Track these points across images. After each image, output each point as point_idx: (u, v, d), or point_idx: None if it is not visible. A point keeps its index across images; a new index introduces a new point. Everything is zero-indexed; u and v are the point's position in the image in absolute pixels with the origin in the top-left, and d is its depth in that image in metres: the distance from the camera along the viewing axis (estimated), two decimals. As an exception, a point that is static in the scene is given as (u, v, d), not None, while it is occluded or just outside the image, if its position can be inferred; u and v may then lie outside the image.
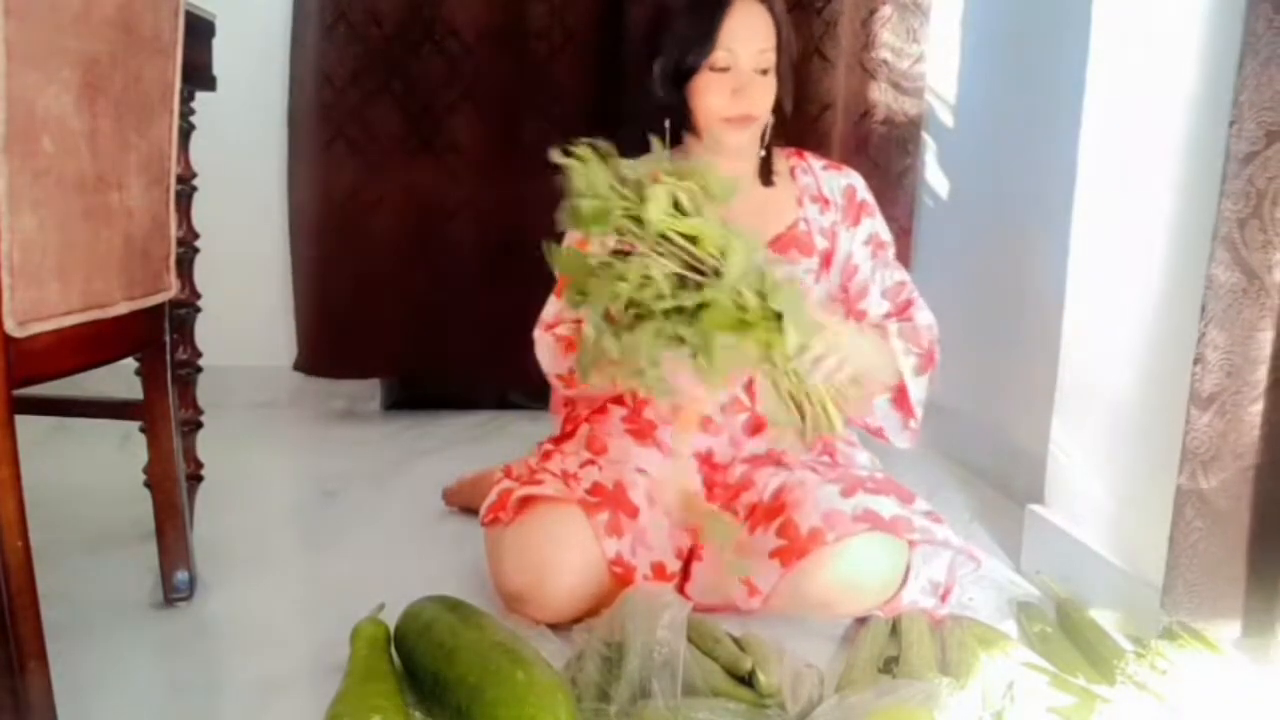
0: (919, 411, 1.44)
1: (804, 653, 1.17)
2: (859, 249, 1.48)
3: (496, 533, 1.33)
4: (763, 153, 1.48)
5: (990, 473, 2.00)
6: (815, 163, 1.54)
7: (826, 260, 1.48)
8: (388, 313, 2.40)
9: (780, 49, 1.42)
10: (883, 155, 2.38)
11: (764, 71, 1.40)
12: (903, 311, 1.47)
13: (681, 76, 1.40)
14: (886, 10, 2.33)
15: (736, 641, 1.15)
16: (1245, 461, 1.12)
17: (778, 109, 1.46)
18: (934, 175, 2.39)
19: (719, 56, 1.38)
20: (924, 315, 1.46)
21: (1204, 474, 1.13)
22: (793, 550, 1.23)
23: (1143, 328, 1.32)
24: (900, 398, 1.43)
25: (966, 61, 2.27)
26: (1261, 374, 1.10)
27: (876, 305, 1.48)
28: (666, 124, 1.41)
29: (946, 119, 2.35)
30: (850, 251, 1.48)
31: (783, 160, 1.53)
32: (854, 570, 1.23)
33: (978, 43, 2.22)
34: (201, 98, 1.55)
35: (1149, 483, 1.28)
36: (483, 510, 1.35)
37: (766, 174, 1.49)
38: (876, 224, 1.51)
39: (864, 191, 1.52)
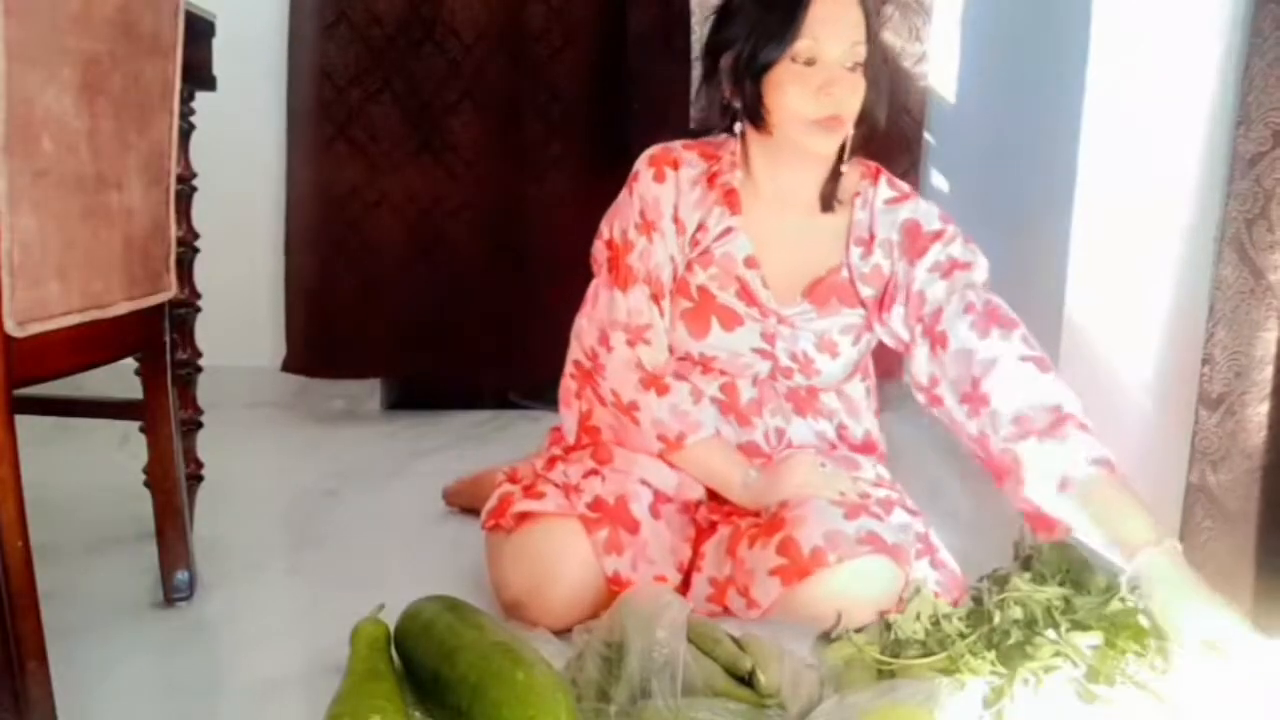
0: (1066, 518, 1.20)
1: (804, 653, 1.17)
2: (923, 276, 1.31)
3: (497, 539, 1.32)
4: (844, 168, 1.34)
5: (990, 473, 1.99)
6: (883, 193, 1.38)
7: (881, 306, 1.34)
8: (387, 313, 2.41)
9: (870, 44, 1.28)
10: (884, 155, 2.37)
11: (853, 68, 1.26)
12: (1004, 324, 1.26)
13: (757, 70, 1.26)
14: (888, 10, 2.33)
15: (736, 641, 1.15)
16: (1254, 462, 1.13)
17: (863, 118, 1.31)
18: (935, 175, 2.39)
19: (803, 46, 1.24)
20: (1047, 382, 1.21)
21: (1213, 474, 1.13)
22: (794, 570, 1.21)
23: (1143, 327, 1.32)
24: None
25: (968, 61, 2.27)
26: (1269, 374, 1.10)
27: (958, 323, 1.27)
28: (737, 128, 1.31)
29: (948, 118, 2.35)
30: (912, 281, 1.32)
31: (854, 178, 1.38)
32: (854, 590, 1.20)
33: (979, 42, 2.22)
34: (201, 98, 1.55)
35: (1149, 482, 1.28)
36: (483, 514, 1.35)
37: (829, 197, 1.35)
38: (951, 249, 1.32)
39: (934, 222, 1.34)
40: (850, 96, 1.26)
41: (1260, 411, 1.11)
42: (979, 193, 2.20)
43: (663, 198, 1.37)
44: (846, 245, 1.35)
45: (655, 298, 1.36)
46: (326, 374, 2.46)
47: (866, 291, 1.35)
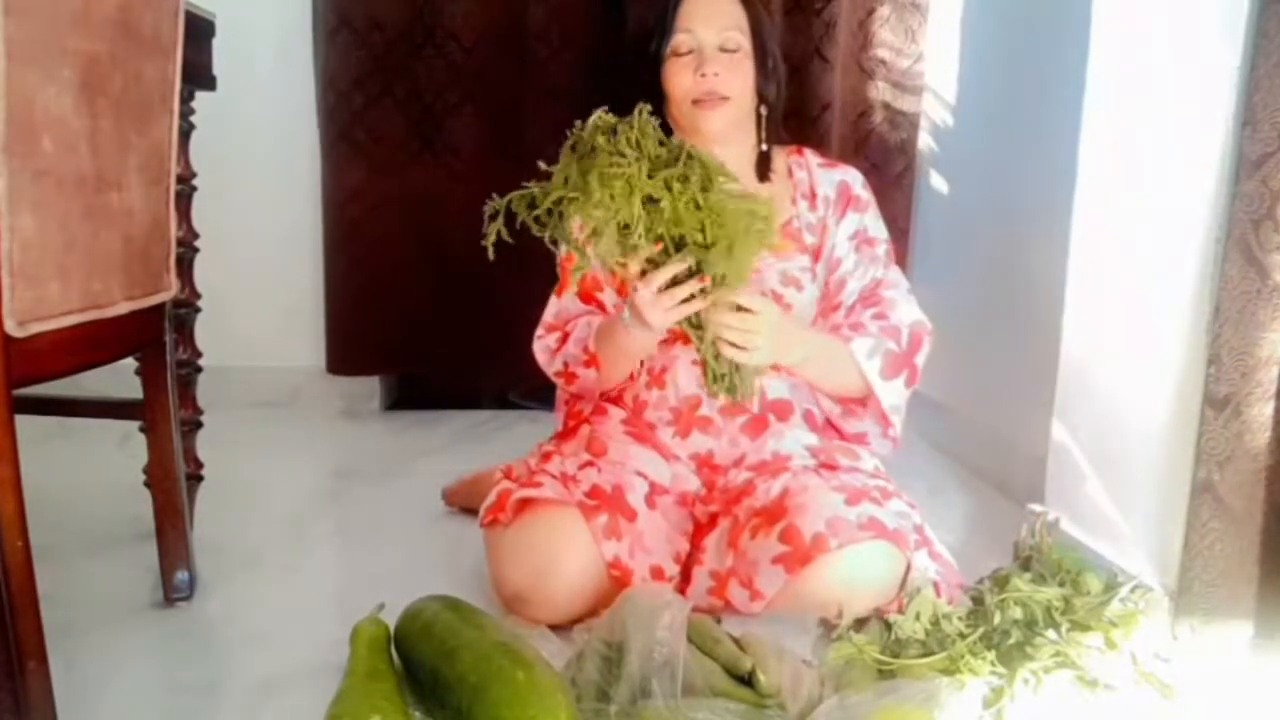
0: (895, 419, 1.42)
1: (804, 653, 1.17)
2: (842, 243, 1.47)
3: (495, 534, 1.32)
4: (763, 148, 1.48)
5: (990, 473, 2.00)
6: (813, 159, 1.53)
7: (816, 256, 1.48)
8: (388, 312, 2.41)
9: (755, 30, 1.43)
10: (881, 155, 2.39)
11: (730, 51, 1.41)
12: (874, 308, 1.44)
13: (656, 66, 1.44)
14: (885, 10, 2.33)
15: (736, 641, 1.15)
16: (1259, 462, 1.13)
17: (765, 100, 1.46)
18: (933, 175, 2.39)
19: (680, 40, 1.41)
20: (902, 312, 1.43)
21: (1219, 474, 1.13)
22: (796, 557, 1.22)
23: (1143, 327, 1.32)
24: (871, 404, 1.42)
25: (965, 61, 2.27)
26: (1275, 374, 1.11)
27: (850, 301, 1.46)
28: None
29: (946, 119, 2.35)
30: (834, 244, 1.47)
31: (781, 158, 1.53)
32: (856, 576, 1.22)
33: (977, 42, 2.22)
34: (201, 98, 1.55)
35: (1149, 482, 1.28)
36: (481, 511, 1.35)
37: (763, 170, 1.49)
38: (866, 220, 1.49)
39: (859, 188, 1.51)
40: (729, 75, 1.41)
41: (1266, 411, 1.11)
42: (978, 193, 2.20)
43: None
44: (794, 201, 1.49)
45: (587, 295, 1.48)
46: (344, 371, 2.48)
47: (810, 239, 1.48)
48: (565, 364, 1.46)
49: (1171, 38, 1.27)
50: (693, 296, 1.21)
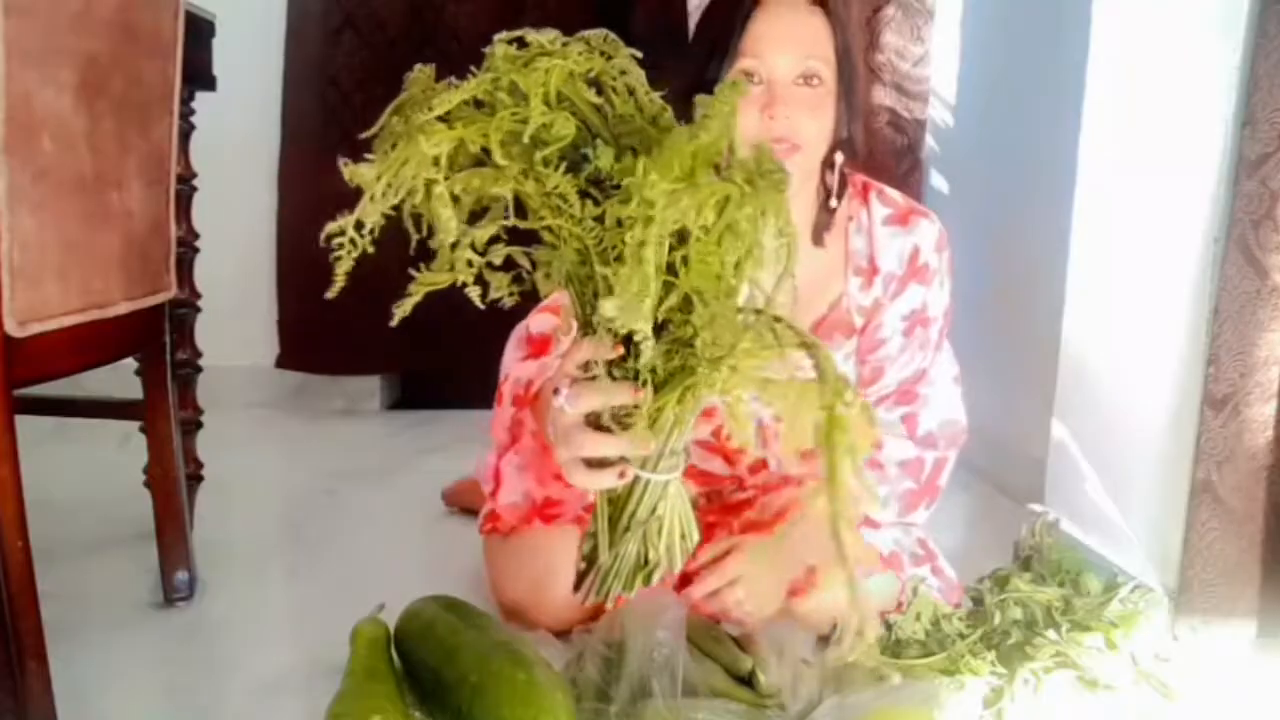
0: (906, 563, 1.24)
1: (804, 653, 1.17)
2: (892, 322, 1.24)
3: (494, 543, 1.31)
4: (835, 203, 1.21)
5: (990, 473, 2.00)
6: (878, 213, 1.25)
7: (860, 334, 1.27)
8: (388, 312, 2.41)
9: (842, 59, 1.15)
10: (886, 156, 2.38)
11: (806, 83, 1.12)
12: (907, 407, 1.24)
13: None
14: (890, 10, 2.33)
15: (736, 641, 1.15)
16: (1259, 462, 1.13)
17: (839, 143, 1.17)
18: (935, 176, 2.39)
19: (746, 65, 1.12)
20: (934, 416, 1.23)
21: (1219, 475, 1.13)
22: (793, 585, 1.21)
23: (1142, 327, 1.32)
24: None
25: (966, 61, 2.27)
26: (1274, 374, 1.11)
27: (885, 393, 1.24)
28: None
29: (946, 119, 2.35)
30: (881, 323, 1.24)
31: (844, 204, 1.25)
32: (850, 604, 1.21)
33: (980, 43, 2.22)
34: (201, 98, 1.55)
35: (1149, 483, 1.28)
36: (480, 518, 1.35)
37: (820, 233, 1.22)
38: (929, 294, 1.24)
39: (929, 253, 1.24)
40: (802, 116, 1.12)
41: (1265, 411, 1.12)
42: (979, 193, 2.20)
43: None
44: (845, 275, 1.25)
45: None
46: (339, 371, 2.49)
47: (859, 321, 1.27)
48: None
49: (1171, 37, 1.27)
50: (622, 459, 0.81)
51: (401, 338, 2.41)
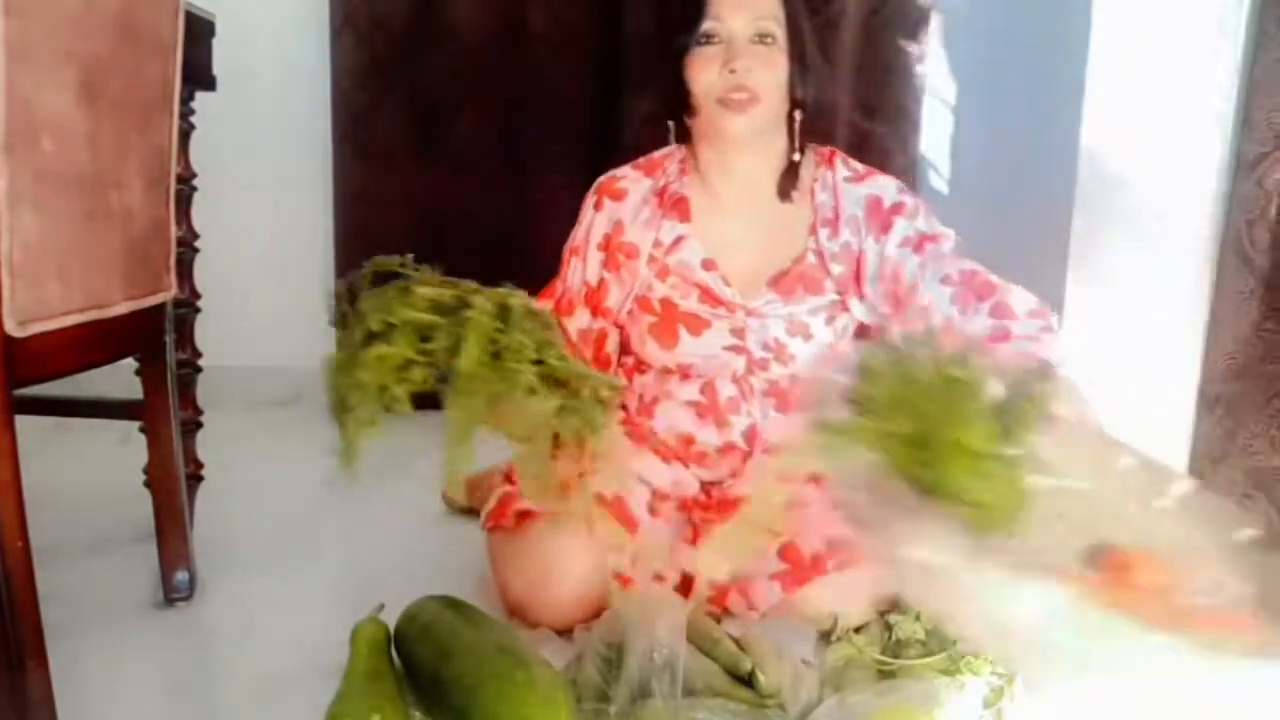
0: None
1: (804, 653, 1.17)
2: (894, 252, 1.31)
3: (498, 540, 1.32)
4: (795, 158, 1.35)
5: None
6: (841, 173, 1.37)
7: (855, 283, 1.34)
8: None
9: (792, 21, 1.30)
10: (883, 155, 2.38)
11: (761, 41, 1.27)
12: (989, 299, 1.25)
13: (676, 56, 1.30)
14: (888, 9, 2.33)
15: (736, 641, 1.15)
16: (1253, 462, 1.13)
17: (799, 103, 1.32)
18: (933, 176, 2.39)
19: (708, 27, 1.28)
20: (1020, 296, 1.25)
21: (1212, 474, 1.13)
22: (794, 576, 1.22)
23: (1140, 327, 1.32)
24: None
25: (967, 60, 2.27)
26: (1269, 374, 1.11)
27: (937, 296, 1.27)
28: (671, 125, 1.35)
29: (946, 119, 2.35)
30: (884, 258, 1.32)
31: (809, 169, 1.38)
32: (852, 595, 1.21)
33: (978, 41, 2.22)
34: (201, 98, 1.55)
35: (1149, 483, 1.28)
36: (484, 515, 1.35)
37: (788, 186, 1.35)
38: (916, 223, 1.33)
39: (894, 195, 1.35)
40: (758, 69, 1.27)
41: (1259, 412, 1.11)
42: (978, 193, 2.20)
43: (595, 226, 1.41)
44: (814, 230, 1.35)
45: (562, 309, 1.40)
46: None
47: (838, 269, 1.34)
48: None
49: (1171, 37, 1.27)
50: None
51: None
